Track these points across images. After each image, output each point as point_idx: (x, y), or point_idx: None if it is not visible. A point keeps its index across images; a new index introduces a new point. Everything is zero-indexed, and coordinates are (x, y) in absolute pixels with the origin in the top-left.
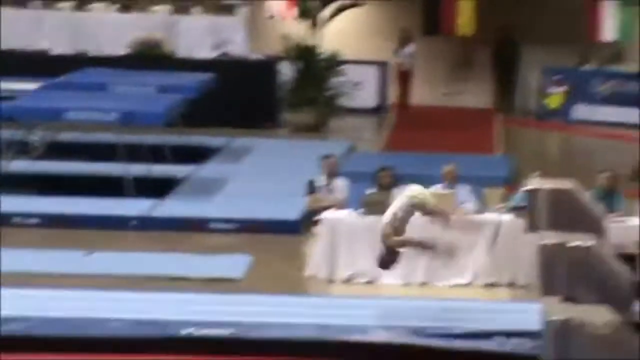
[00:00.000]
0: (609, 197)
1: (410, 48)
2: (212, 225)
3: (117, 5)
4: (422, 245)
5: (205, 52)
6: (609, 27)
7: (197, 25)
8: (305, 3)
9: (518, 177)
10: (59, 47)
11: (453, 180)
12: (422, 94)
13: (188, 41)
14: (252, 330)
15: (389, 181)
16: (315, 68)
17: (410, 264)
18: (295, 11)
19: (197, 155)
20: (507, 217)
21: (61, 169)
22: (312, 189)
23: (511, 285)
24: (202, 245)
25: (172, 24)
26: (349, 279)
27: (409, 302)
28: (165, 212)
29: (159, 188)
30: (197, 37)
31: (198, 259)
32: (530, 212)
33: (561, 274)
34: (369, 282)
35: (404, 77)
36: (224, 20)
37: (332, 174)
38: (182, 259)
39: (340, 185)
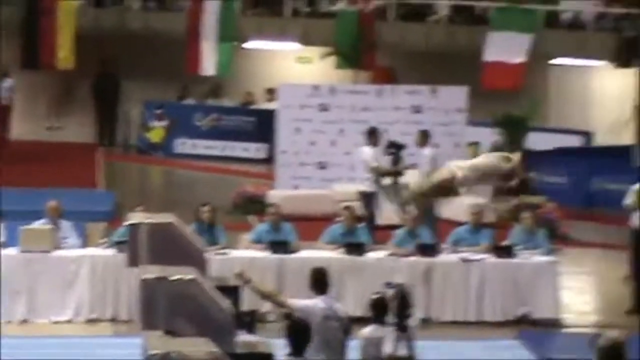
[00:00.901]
0: (210, 230)
1: (8, 82)
2: None
3: None
4: None
5: None
6: (208, 63)
7: None
8: None
9: (120, 212)
10: None
11: (56, 215)
12: (22, 129)
13: None
14: None
15: None
16: None
17: (10, 301)
18: None
19: None
20: (109, 252)
21: None
22: None
23: (113, 320)
24: None
25: None
26: None
27: (9, 341)
28: None
29: None
30: None
31: None
32: (131, 246)
33: (161, 308)
34: None
35: (3, 112)
36: None
37: None
38: None
39: None
